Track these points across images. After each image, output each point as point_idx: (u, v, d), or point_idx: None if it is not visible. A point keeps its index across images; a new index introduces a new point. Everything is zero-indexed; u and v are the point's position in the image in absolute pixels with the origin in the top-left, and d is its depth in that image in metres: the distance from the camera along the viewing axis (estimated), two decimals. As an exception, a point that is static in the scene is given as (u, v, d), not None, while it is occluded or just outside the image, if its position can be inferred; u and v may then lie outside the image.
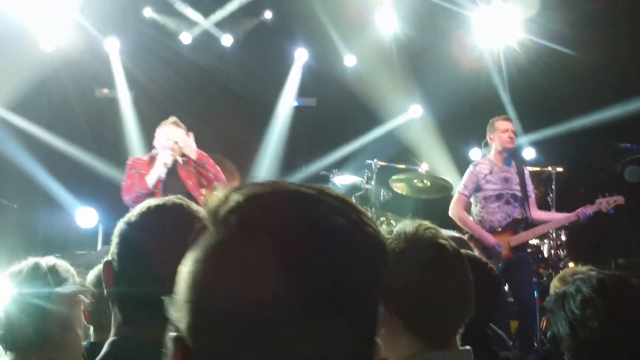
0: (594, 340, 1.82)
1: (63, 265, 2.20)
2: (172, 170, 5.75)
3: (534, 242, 6.68)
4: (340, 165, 8.60)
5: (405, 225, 1.66)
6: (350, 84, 9.24)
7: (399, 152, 8.47)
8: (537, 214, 6.31)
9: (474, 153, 8.35)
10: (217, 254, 0.78)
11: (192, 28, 9.27)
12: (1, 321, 2.05)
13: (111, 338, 1.59)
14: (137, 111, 9.10)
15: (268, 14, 9.38)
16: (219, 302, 0.76)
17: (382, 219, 7.05)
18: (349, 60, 9.40)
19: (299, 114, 9.89)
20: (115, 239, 1.61)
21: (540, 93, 8.52)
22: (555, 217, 6.28)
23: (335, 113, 9.68)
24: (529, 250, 6.29)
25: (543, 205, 6.66)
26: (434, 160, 8.45)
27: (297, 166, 9.86)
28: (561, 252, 6.93)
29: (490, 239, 5.98)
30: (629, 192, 6.24)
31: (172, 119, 6.05)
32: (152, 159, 5.82)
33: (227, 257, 0.77)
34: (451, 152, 8.89)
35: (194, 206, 1.62)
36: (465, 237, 5.55)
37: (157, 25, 9.20)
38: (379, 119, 9.34)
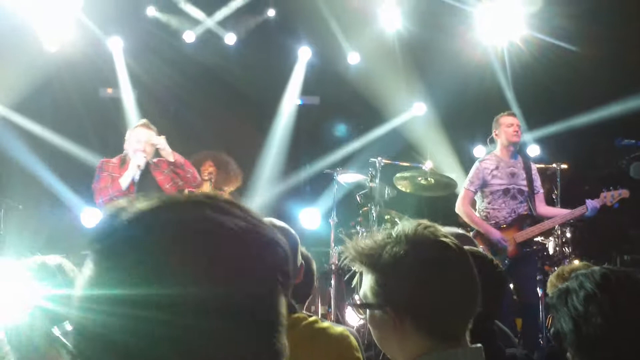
0: (597, 336, 1.80)
1: (68, 264, 2.20)
2: (145, 172, 5.77)
3: (540, 239, 6.67)
4: (344, 163, 8.60)
5: (404, 226, 1.65)
6: (353, 82, 9.23)
7: (403, 150, 8.46)
8: (544, 209, 6.31)
9: (478, 150, 8.34)
10: (100, 283, 0.80)
11: (195, 27, 9.27)
12: (9, 323, 2.04)
13: None
14: (141, 110, 9.10)
15: (271, 12, 9.37)
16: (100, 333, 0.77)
17: (386, 217, 7.05)
18: (353, 58, 9.39)
19: (303, 112, 9.89)
20: None
21: (544, 90, 8.50)
22: (562, 212, 6.27)
23: (339, 111, 9.67)
24: (534, 247, 6.28)
25: (548, 202, 6.65)
26: (438, 158, 8.43)
27: (301, 164, 9.87)
28: (566, 249, 6.91)
29: (496, 234, 5.98)
30: (634, 188, 6.22)
31: (143, 121, 6.10)
32: (122, 161, 5.84)
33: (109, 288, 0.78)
34: (455, 150, 8.88)
35: None
36: (471, 234, 5.54)
37: (161, 24, 9.20)
38: (383, 117, 9.34)
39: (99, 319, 0.77)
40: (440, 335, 1.58)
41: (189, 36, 9.28)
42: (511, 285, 6.13)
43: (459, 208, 6.25)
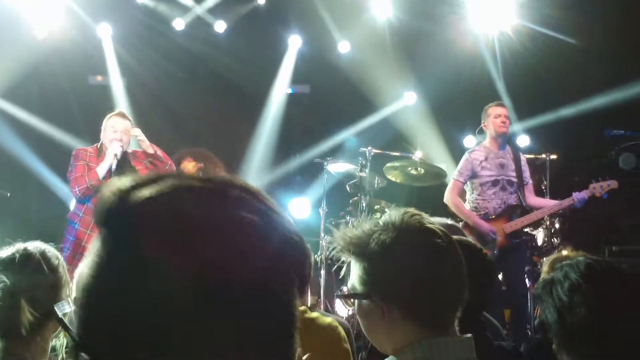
0: (582, 327, 1.80)
1: (52, 251, 2.18)
2: (123, 162, 5.72)
3: (528, 229, 6.69)
4: (334, 152, 8.59)
5: (391, 215, 1.66)
6: (344, 71, 9.21)
7: (393, 140, 8.46)
8: (533, 200, 6.32)
9: (468, 140, 8.35)
10: (110, 263, 0.75)
11: (184, 14, 9.20)
12: None
13: None
14: (130, 98, 9.05)
15: (261, 0, 9.31)
16: (109, 306, 0.73)
17: (376, 206, 7.04)
18: (343, 47, 9.35)
19: (293, 101, 9.86)
20: None
21: (534, 80, 8.51)
22: (551, 203, 6.29)
23: (329, 100, 9.65)
24: (523, 237, 6.30)
25: (537, 192, 6.67)
26: (428, 148, 8.44)
27: (291, 154, 9.85)
28: (555, 240, 6.94)
29: (485, 225, 5.99)
30: (623, 179, 6.24)
31: (118, 110, 6.11)
32: (99, 151, 5.80)
33: (121, 265, 0.73)
34: (445, 140, 8.88)
35: None
36: (460, 224, 5.55)
37: (150, 11, 9.13)
38: (373, 106, 9.32)
39: (108, 308, 0.73)
40: (428, 324, 1.59)
41: (179, 23, 9.22)
42: (500, 276, 6.16)
43: (448, 199, 6.26)
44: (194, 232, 0.73)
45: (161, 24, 9.22)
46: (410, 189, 8.09)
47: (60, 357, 2.17)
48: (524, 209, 6.19)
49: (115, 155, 5.59)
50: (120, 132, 5.72)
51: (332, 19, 9.04)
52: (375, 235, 1.61)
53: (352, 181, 7.14)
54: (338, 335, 2.46)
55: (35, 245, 2.15)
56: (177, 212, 0.75)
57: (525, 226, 6.26)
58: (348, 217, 7.03)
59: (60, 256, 2.20)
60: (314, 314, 2.51)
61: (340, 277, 2.12)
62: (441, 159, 8.35)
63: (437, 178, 7.22)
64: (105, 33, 9.01)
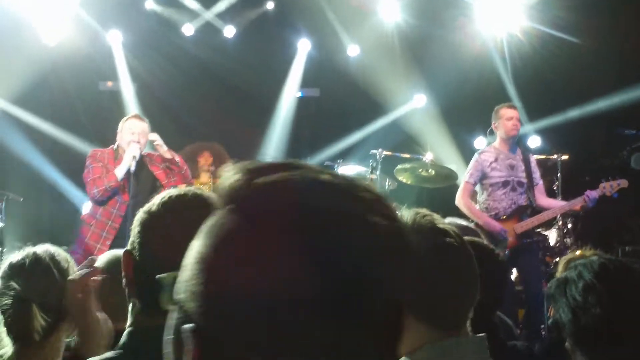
0: (596, 327, 1.80)
1: (62, 254, 2.17)
2: (141, 164, 5.71)
3: (540, 229, 6.67)
4: (344, 155, 8.59)
5: (403, 215, 1.65)
6: (353, 74, 9.22)
7: (404, 142, 8.44)
8: (544, 201, 6.30)
9: (479, 142, 8.33)
10: (234, 241, 0.72)
11: (194, 19, 9.24)
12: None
13: (129, 328, 1.60)
14: (140, 104, 9.08)
15: (270, 5, 9.34)
16: (234, 291, 0.70)
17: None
18: (352, 50, 9.36)
19: (303, 105, 9.88)
20: (136, 229, 1.61)
21: (544, 81, 8.48)
22: (561, 203, 6.28)
23: (339, 103, 9.66)
24: (535, 237, 6.28)
25: (549, 193, 6.65)
26: (439, 150, 8.42)
27: (301, 157, 9.85)
28: (568, 240, 6.92)
29: (496, 225, 5.98)
30: (635, 179, 6.22)
31: (134, 113, 6.10)
32: (116, 153, 5.78)
33: (246, 245, 0.71)
34: (456, 141, 8.86)
35: (214, 196, 1.62)
36: (471, 225, 5.54)
37: (159, 17, 9.18)
38: (383, 109, 9.32)
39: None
40: (441, 325, 1.58)
41: (188, 29, 9.26)
42: (513, 276, 6.14)
43: (459, 201, 6.26)
44: (323, 229, 0.71)
45: (170, 29, 9.26)
46: (420, 191, 8.07)
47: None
48: (534, 209, 6.18)
49: (134, 157, 5.57)
50: (137, 134, 5.69)
51: (340, 23, 9.06)
52: (387, 235, 1.61)
53: (363, 184, 7.13)
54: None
55: (44, 249, 2.14)
56: (306, 206, 0.72)
57: (537, 226, 6.24)
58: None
59: (70, 259, 2.18)
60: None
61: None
62: (452, 161, 8.34)
63: (448, 179, 7.21)
64: (116, 40, 9.06)
